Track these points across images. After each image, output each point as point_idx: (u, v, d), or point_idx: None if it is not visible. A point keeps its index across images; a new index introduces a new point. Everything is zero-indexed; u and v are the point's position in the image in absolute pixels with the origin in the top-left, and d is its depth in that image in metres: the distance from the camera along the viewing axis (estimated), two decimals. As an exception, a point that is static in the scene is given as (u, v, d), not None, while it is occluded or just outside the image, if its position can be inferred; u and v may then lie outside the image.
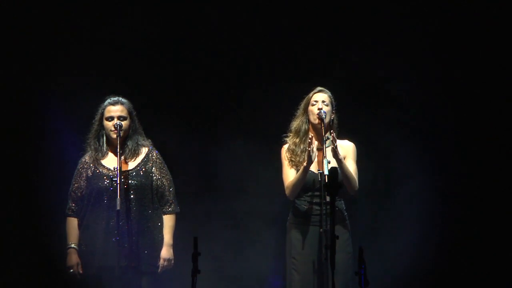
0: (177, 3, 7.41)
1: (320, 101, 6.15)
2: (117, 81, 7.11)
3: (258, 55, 7.42)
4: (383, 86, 7.43)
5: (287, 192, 6.12)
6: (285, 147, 6.23)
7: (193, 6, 7.41)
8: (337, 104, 6.25)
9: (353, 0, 7.45)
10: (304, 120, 6.20)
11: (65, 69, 7.15)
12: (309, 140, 5.99)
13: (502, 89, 7.43)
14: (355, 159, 6.19)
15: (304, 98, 6.26)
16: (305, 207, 6.09)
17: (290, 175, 6.12)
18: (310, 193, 6.08)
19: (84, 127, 6.29)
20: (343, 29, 7.42)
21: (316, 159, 6.06)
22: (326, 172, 5.81)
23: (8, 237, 6.96)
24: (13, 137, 7.07)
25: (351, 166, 6.13)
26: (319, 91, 6.22)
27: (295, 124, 6.25)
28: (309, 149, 5.96)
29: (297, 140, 6.18)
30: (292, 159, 6.15)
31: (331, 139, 5.96)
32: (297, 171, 6.08)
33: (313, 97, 6.20)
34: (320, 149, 6.06)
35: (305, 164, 5.99)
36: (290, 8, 7.44)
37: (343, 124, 6.35)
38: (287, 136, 6.27)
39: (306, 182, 6.05)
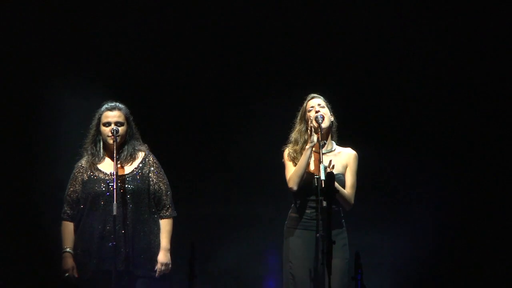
0: (174, 7, 7.43)
1: (316, 105, 6.17)
2: (115, 84, 7.12)
3: (259, 58, 7.44)
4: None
5: (290, 183, 6.07)
6: (287, 150, 6.24)
7: (192, 11, 7.42)
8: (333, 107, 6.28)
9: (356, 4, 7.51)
10: (302, 129, 6.21)
11: (63, 72, 7.14)
12: (311, 127, 6.00)
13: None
14: (356, 170, 6.18)
15: (299, 109, 6.27)
16: (303, 211, 6.09)
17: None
18: (308, 198, 6.08)
19: (82, 131, 6.30)
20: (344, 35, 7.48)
21: (313, 164, 6.08)
22: (322, 177, 5.83)
23: (3, 241, 6.94)
24: (9, 140, 7.06)
25: (349, 178, 6.14)
26: (312, 97, 6.23)
27: (293, 134, 6.25)
28: (310, 131, 5.97)
29: (297, 148, 6.19)
30: (296, 161, 6.14)
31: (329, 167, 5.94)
32: None
33: (308, 104, 6.21)
34: (317, 153, 6.06)
35: (307, 146, 6.00)
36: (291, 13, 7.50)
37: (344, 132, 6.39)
38: (286, 146, 6.26)
39: (305, 186, 6.05)
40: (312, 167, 6.07)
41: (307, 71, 7.43)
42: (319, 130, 6.04)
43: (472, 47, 7.47)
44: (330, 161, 5.93)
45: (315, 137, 6.01)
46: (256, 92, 7.41)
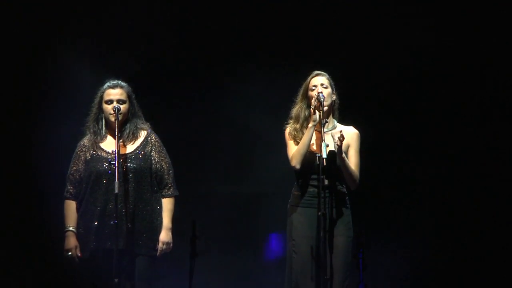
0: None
1: (318, 84, 6.13)
2: (116, 64, 7.11)
3: (261, 37, 7.41)
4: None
5: (293, 161, 6.03)
6: (288, 129, 6.21)
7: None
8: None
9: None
10: (304, 106, 6.18)
11: (64, 52, 7.14)
12: (312, 107, 5.97)
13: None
14: (358, 149, 6.14)
15: (302, 84, 6.24)
16: (306, 190, 6.07)
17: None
18: (311, 176, 6.06)
19: (84, 110, 6.29)
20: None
21: (315, 142, 6.05)
22: (324, 156, 5.80)
23: (5, 220, 6.96)
24: (11, 119, 7.06)
25: (353, 157, 6.10)
26: (317, 74, 6.18)
27: (294, 110, 6.23)
28: (313, 110, 5.95)
29: (298, 125, 6.16)
30: (297, 139, 6.12)
31: (338, 139, 5.89)
32: None
33: (311, 81, 6.16)
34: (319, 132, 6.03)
35: (309, 125, 5.98)
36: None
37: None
38: (287, 123, 6.24)
39: (307, 165, 6.03)
40: (314, 146, 6.04)
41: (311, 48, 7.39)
42: (321, 108, 6.00)
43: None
44: (341, 131, 5.88)
45: (317, 115, 5.98)
46: (258, 70, 7.38)
